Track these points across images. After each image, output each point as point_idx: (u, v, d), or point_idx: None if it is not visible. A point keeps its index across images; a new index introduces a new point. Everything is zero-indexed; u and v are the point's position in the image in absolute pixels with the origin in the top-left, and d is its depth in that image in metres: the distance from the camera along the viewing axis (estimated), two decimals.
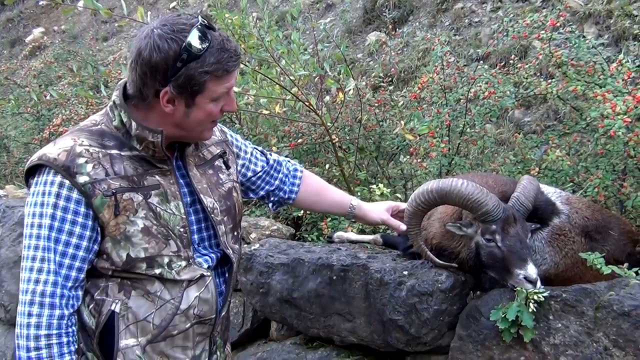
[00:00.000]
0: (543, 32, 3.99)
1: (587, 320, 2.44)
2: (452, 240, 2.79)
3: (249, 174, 2.49)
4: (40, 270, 1.87)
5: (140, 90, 1.93)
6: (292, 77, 4.04)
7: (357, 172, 4.48)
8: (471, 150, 4.70)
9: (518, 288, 2.50)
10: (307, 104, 4.01)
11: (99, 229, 1.94)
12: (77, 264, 1.91)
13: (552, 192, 3.00)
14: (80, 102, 6.38)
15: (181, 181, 2.10)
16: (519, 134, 5.06)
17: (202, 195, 2.12)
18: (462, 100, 4.21)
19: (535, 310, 2.46)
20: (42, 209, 1.88)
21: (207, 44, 1.87)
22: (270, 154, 2.60)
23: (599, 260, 2.56)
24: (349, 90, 4.24)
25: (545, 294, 2.46)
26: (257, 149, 2.55)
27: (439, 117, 4.10)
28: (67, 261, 1.90)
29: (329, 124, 4.13)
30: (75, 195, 1.88)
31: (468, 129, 4.24)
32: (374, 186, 4.05)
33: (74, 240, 1.90)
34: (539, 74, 4.72)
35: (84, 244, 1.92)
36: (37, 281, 1.87)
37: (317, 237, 3.89)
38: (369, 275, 2.97)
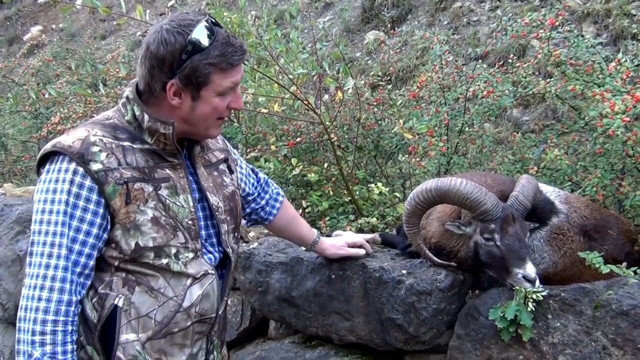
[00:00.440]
0: (542, 31, 3.99)
1: (585, 319, 2.44)
2: (451, 239, 2.79)
3: (243, 188, 2.59)
4: (50, 255, 1.89)
5: (149, 85, 1.99)
6: (290, 76, 4.03)
7: (355, 171, 4.48)
8: (470, 149, 4.70)
9: (517, 287, 2.50)
10: (305, 102, 4.00)
11: (109, 217, 1.97)
12: (86, 250, 1.94)
13: (550, 192, 3.00)
14: (79, 101, 6.36)
15: (190, 178, 2.15)
16: (518, 133, 5.06)
17: (208, 193, 2.17)
18: (460, 100, 4.21)
19: (533, 309, 2.46)
20: (55, 195, 1.91)
21: (213, 38, 1.93)
22: (259, 173, 2.73)
23: (597, 260, 2.56)
24: (348, 89, 4.23)
25: (543, 293, 2.46)
26: (249, 167, 2.67)
27: (437, 116, 4.10)
28: (77, 247, 1.92)
29: (327, 122, 4.13)
30: (88, 182, 1.92)
31: (467, 128, 4.24)
32: (373, 185, 4.05)
33: (84, 227, 1.93)
34: (537, 73, 4.72)
35: (94, 231, 1.95)
36: (47, 266, 1.89)
37: None
38: (367, 274, 2.97)
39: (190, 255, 2.08)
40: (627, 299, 2.35)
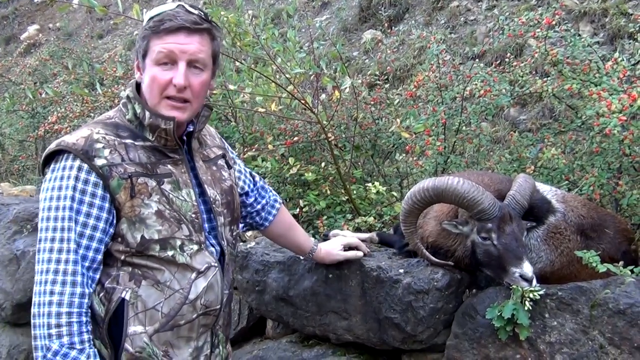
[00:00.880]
0: (539, 30, 3.99)
1: (582, 318, 2.44)
2: (448, 238, 2.79)
3: (241, 186, 2.61)
4: (60, 250, 1.92)
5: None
6: (288, 75, 4.03)
7: (352, 170, 4.48)
8: (467, 148, 4.70)
9: (514, 286, 2.50)
10: (303, 102, 4.00)
11: (114, 211, 2.01)
12: (94, 244, 1.98)
13: (547, 191, 3.00)
14: (76, 100, 6.36)
15: (191, 173, 2.18)
16: (515, 132, 5.07)
17: (206, 186, 2.20)
18: (457, 99, 4.21)
19: (531, 308, 2.46)
20: (61, 192, 1.94)
21: (163, 11, 2.01)
22: (257, 176, 2.74)
23: (594, 259, 2.56)
24: (345, 88, 4.23)
25: (541, 292, 2.47)
26: (248, 170, 2.69)
27: (434, 115, 4.10)
28: (84, 241, 1.96)
29: (324, 122, 4.13)
30: (93, 178, 1.96)
31: (464, 127, 4.24)
32: (370, 184, 4.05)
33: (91, 222, 1.96)
34: (534, 72, 4.73)
35: (101, 225, 1.98)
36: (58, 260, 1.92)
37: (313, 235, 3.89)
38: (364, 273, 2.97)
39: (195, 247, 2.11)
40: (624, 297, 2.35)
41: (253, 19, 4.20)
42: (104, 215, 1.98)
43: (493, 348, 2.64)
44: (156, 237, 2.03)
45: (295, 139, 4.41)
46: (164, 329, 2.09)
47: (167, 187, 2.06)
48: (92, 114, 5.77)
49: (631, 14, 6.77)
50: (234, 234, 2.36)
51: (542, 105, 6.56)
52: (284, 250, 3.35)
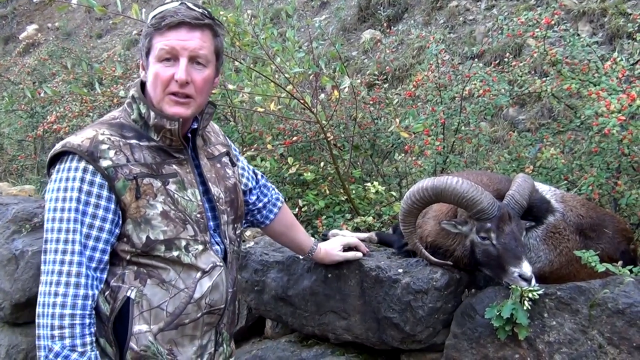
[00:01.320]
0: (537, 30, 4.00)
1: (581, 318, 2.44)
2: (447, 238, 2.79)
3: (245, 183, 2.60)
4: (65, 252, 1.93)
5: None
6: (287, 75, 4.03)
7: (351, 170, 4.48)
8: (466, 148, 4.71)
9: (513, 286, 2.50)
10: (302, 101, 4.00)
11: (120, 212, 2.01)
12: (100, 245, 1.99)
13: (546, 190, 3.01)
14: (75, 100, 6.35)
15: (196, 171, 2.19)
16: (514, 132, 5.08)
17: (210, 184, 2.21)
18: (456, 98, 4.22)
19: (529, 308, 2.46)
20: (66, 193, 1.95)
21: (165, 9, 2.03)
22: (259, 174, 2.74)
23: (593, 258, 2.56)
24: (344, 88, 4.23)
25: (539, 292, 2.47)
26: (251, 168, 2.68)
27: (433, 115, 4.11)
28: (91, 243, 1.97)
29: (324, 121, 4.13)
30: (98, 179, 1.97)
31: (463, 127, 4.25)
32: (369, 184, 4.05)
33: (97, 223, 1.97)
34: (533, 72, 4.74)
35: (107, 226, 1.99)
36: (62, 262, 1.93)
37: (312, 235, 3.89)
38: (363, 273, 2.97)
39: (200, 247, 2.12)
40: (622, 297, 2.35)
41: (252, 18, 4.20)
42: (110, 216, 1.99)
43: (492, 348, 2.64)
44: (161, 237, 2.04)
45: (295, 138, 4.41)
46: (168, 328, 2.10)
47: (172, 187, 2.07)
48: (91, 114, 5.77)
49: (630, 14, 6.77)
50: (238, 232, 2.36)
51: (541, 105, 6.56)
52: (283, 250, 3.34)
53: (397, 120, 4.07)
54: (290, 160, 4.23)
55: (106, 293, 2.05)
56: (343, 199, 4.08)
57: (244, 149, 4.41)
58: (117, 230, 2.02)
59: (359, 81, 5.44)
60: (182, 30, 2.01)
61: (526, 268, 2.47)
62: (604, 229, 2.88)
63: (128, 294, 2.05)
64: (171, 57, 2.02)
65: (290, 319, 3.30)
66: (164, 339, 2.10)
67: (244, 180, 2.59)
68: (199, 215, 2.12)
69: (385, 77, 6.15)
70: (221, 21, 3.84)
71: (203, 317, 2.17)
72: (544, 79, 4.03)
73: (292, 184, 4.38)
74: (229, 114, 4.86)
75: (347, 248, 3.00)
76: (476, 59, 5.94)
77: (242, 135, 4.64)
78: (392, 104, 4.82)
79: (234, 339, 3.76)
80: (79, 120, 5.72)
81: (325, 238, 3.59)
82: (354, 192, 4.10)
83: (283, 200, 2.81)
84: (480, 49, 6.12)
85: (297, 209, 4.00)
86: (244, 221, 2.73)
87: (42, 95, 5.90)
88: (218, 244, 2.22)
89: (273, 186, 2.81)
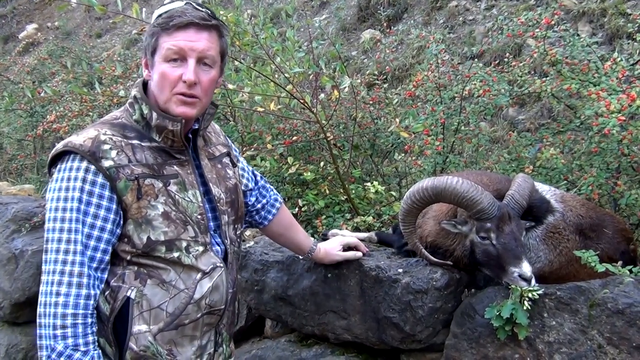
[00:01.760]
0: (537, 30, 4.00)
1: (581, 318, 2.45)
2: (447, 238, 2.79)
3: (245, 183, 2.60)
4: (66, 252, 1.94)
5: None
6: (287, 75, 4.03)
7: (351, 169, 4.47)
8: (466, 148, 4.71)
9: (513, 286, 2.50)
10: (302, 101, 4.00)
11: (121, 212, 2.02)
12: (102, 245, 1.99)
13: (546, 190, 3.01)
14: (74, 99, 6.34)
15: (197, 172, 2.20)
16: (513, 132, 5.08)
17: (211, 184, 2.21)
18: (456, 98, 4.21)
19: (529, 308, 2.46)
20: (68, 193, 1.95)
21: (170, 9, 2.03)
22: (259, 177, 2.75)
23: (593, 258, 2.56)
24: (344, 87, 4.23)
25: (539, 292, 2.47)
26: (250, 169, 2.69)
27: (433, 115, 4.11)
28: (92, 243, 1.97)
29: (323, 121, 4.13)
30: (100, 179, 1.97)
31: (462, 127, 4.25)
32: (369, 184, 4.05)
33: (98, 223, 1.98)
34: (533, 72, 4.74)
35: (108, 226, 1.99)
36: (64, 262, 1.93)
37: (312, 234, 3.89)
38: (363, 273, 2.97)
39: (200, 248, 2.13)
40: (622, 297, 2.35)
41: (252, 18, 4.20)
42: (111, 216, 1.99)
43: (492, 348, 2.64)
44: (162, 238, 2.04)
45: (294, 138, 4.41)
46: (168, 328, 2.10)
47: (173, 188, 2.08)
48: (90, 113, 5.76)
49: (630, 14, 6.77)
50: (238, 232, 2.37)
51: (541, 105, 6.56)
52: (282, 249, 3.34)
53: (397, 120, 4.07)
54: (290, 160, 4.23)
55: (106, 293, 2.05)
56: (343, 198, 4.08)
57: (244, 149, 4.41)
58: (118, 231, 2.02)
59: (358, 81, 5.43)
60: (190, 31, 2.01)
61: (526, 268, 2.47)
62: (603, 229, 2.88)
63: (128, 294, 2.05)
64: (179, 57, 2.02)
65: (290, 318, 3.30)
66: (163, 339, 2.10)
67: (244, 181, 2.59)
68: (199, 217, 2.13)
69: (385, 77, 6.15)
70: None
71: (203, 317, 2.17)
72: (544, 79, 4.03)
73: (291, 184, 4.38)
74: (229, 113, 4.85)
75: (347, 248, 3.00)
76: (476, 59, 5.93)
77: (242, 135, 4.64)
78: (392, 103, 4.82)
79: (234, 338, 3.77)
80: (78, 119, 5.71)
81: (325, 238, 3.60)
82: (353, 192, 4.10)
83: (282, 201, 2.81)
84: (480, 49, 6.12)
85: (296, 209, 4.01)
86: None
87: (41, 94, 5.89)
88: (218, 245, 2.23)
89: (272, 187, 2.81)
